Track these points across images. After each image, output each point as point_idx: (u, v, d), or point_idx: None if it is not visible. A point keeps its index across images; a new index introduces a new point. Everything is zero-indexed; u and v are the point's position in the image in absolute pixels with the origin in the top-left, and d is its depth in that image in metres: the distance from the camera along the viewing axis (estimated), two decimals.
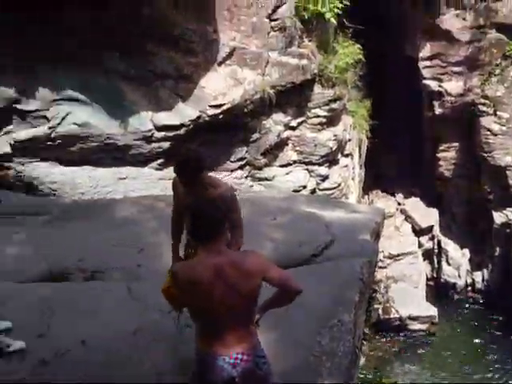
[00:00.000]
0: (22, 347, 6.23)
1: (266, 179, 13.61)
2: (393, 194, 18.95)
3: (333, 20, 13.69)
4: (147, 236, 8.01)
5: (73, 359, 5.95)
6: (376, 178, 18.74)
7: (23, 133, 12.05)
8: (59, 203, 10.39)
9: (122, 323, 6.39)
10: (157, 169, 12.60)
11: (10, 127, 12.12)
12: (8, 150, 12.11)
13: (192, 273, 4.14)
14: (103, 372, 5.79)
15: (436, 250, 18.15)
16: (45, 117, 12.08)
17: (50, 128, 12.00)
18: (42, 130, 12.05)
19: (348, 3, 13.99)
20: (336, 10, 13.58)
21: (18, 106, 11.96)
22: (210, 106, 12.46)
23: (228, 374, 4.15)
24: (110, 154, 12.33)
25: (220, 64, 12.81)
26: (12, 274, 7.38)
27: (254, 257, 4.34)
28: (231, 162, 13.19)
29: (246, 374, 4.18)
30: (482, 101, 16.34)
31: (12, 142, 12.04)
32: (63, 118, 12.00)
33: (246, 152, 13.33)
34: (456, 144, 17.61)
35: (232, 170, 13.23)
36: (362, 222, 8.43)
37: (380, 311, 15.60)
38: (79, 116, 12.02)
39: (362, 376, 11.00)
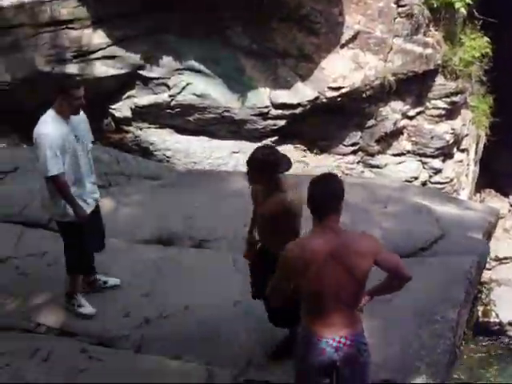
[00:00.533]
0: (117, 283, 6.55)
1: (378, 167, 13.45)
2: (506, 195, 18.32)
3: (463, 10, 13.26)
4: None
5: (175, 322, 6.10)
6: (490, 177, 18.15)
7: (145, 99, 12.38)
8: (173, 170, 10.63)
9: (225, 294, 6.49)
10: None
11: (133, 92, 12.48)
12: (129, 114, 12.49)
13: (305, 250, 4.10)
14: (201, 337, 5.90)
15: None
16: (166, 85, 12.36)
17: (170, 96, 12.27)
18: (162, 97, 12.34)
19: None
20: (467, 0, 13.17)
21: (142, 73, 12.28)
22: (329, 88, 12.38)
23: (329, 357, 4.12)
24: (226, 127, 12.50)
25: (342, 46, 12.68)
26: (125, 232, 7.62)
27: (368, 238, 4.28)
28: (344, 145, 13.10)
29: (348, 359, 4.14)
30: None
31: (133, 107, 12.40)
32: (184, 88, 12.24)
33: (360, 137, 13.20)
34: None
35: (344, 154, 13.14)
36: (474, 220, 8.19)
37: (479, 313, 15.20)
38: (199, 87, 12.22)
39: (455, 376, 10.76)
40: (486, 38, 13.96)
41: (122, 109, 12.50)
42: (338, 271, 4.05)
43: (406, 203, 8.55)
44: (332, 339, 4.11)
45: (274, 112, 12.38)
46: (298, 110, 12.40)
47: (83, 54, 11.91)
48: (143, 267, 6.87)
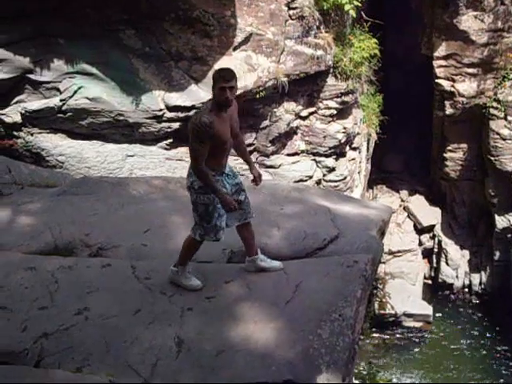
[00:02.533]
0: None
1: (273, 167, 13.67)
2: (397, 191, 18.97)
3: (352, 12, 13.65)
4: (155, 216, 8.01)
5: (74, 334, 5.99)
6: (382, 174, 18.77)
7: (35, 103, 12.12)
8: (69, 177, 10.41)
9: (125, 302, 6.41)
10: (165, 148, 12.66)
11: (22, 97, 12.19)
12: (18, 119, 12.18)
13: None
14: (102, 348, 5.82)
15: (436, 250, 18.19)
16: (57, 89, 12.14)
17: (61, 100, 12.07)
18: (53, 101, 12.11)
19: None
20: (356, 3, 13.54)
21: (32, 77, 12.02)
22: None
23: None
24: (120, 131, 12.40)
25: (235, 49, 12.81)
26: (20, 244, 7.41)
27: None
28: None
29: None
30: (494, 104, 16.29)
31: (23, 112, 12.08)
32: (75, 92, 12.08)
33: (255, 139, 13.38)
34: (464, 145, 17.59)
35: None
36: (369, 219, 8.37)
37: (376, 306, 15.68)
38: (92, 90, 12.08)
39: (355, 371, 11.07)
40: (373, 40, 14.42)
41: (11, 114, 12.18)
42: None
43: (304, 204, 8.67)
44: None
45: (168, 115, 12.37)
46: (192, 112, 12.40)
47: None
48: (40, 279, 6.68)
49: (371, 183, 18.02)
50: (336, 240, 7.78)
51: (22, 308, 6.28)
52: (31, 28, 11.80)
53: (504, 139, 16.14)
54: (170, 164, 12.47)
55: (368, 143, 16.15)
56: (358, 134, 15.00)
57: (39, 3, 11.46)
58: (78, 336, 5.96)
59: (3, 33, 11.59)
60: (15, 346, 5.85)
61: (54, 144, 12.24)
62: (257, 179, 6.53)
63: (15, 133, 12.29)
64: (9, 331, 6.01)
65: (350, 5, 13.40)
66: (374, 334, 15.21)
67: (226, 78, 5.87)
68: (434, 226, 18.23)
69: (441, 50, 16.59)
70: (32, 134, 12.30)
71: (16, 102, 12.17)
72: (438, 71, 16.79)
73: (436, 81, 16.97)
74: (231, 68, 6.15)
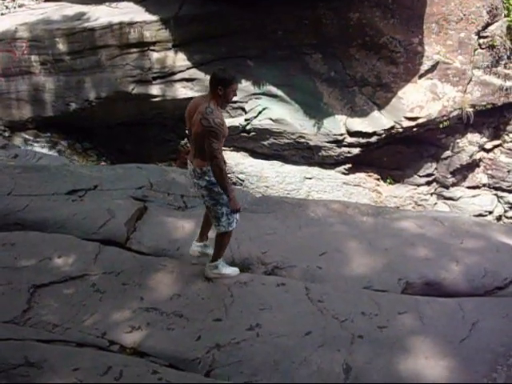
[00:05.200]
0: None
1: (451, 199, 13.31)
2: None
3: None
4: (332, 240, 8.03)
5: (245, 349, 6.10)
6: None
7: None
8: (249, 195, 10.67)
9: (296, 322, 6.47)
10: (343, 173, 12.67)
11: None
12: None
13: None
14: (270, 366, 5.88)
15: None
16: (243, 109, 12.52)
17: (246, 120, 12.43)
18: (238, 120, 12.50)
19: None
20: None
21: None
22: (406, 118, 12.36)
23: None
24: (300, 153, 12.56)
25: (421, 76, 12.65)
26: None
27: None
28: (418, 176, 13.02)
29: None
30: None
31: None
32: (260, 112, 12.41)
33: (435, 169, 13.09)
34: None
35: (418, 185, 13.05)
36: None
37: None
38: (276, 112, 12.35)
39: None
40: None
41: None
42: None
43: (486, 240, 8.37)
44: None
45: (348, 139, 12.40)
46: (373, 139, 12.38)
47: (163, 76, 12.18)
48: (217, 291, 6.90)
49: None
50: None
51: (198, 318, 6.48)
52: (222, 49, 12.29)
53: None
54: (347, 189, 12.48)
55: None
56: None
57: (236, 24, 11.93)
58: (248, 351, 6.07)
59: (198, 53, 12.17)
60: (189, 353, 6.05)
61: (235, 162, 12.63)
62: None
63: None
64: (184, 339, 6.22)
65: None
66: None
67: (237, 80, 6.39)
68: None
69: None
70: None
71: None
72: None
73: None
74: None
